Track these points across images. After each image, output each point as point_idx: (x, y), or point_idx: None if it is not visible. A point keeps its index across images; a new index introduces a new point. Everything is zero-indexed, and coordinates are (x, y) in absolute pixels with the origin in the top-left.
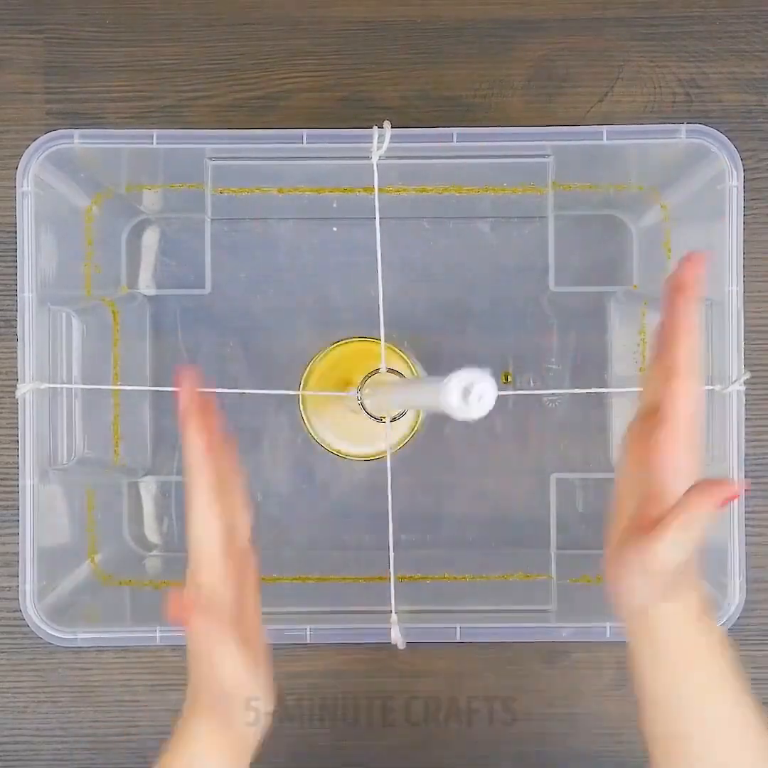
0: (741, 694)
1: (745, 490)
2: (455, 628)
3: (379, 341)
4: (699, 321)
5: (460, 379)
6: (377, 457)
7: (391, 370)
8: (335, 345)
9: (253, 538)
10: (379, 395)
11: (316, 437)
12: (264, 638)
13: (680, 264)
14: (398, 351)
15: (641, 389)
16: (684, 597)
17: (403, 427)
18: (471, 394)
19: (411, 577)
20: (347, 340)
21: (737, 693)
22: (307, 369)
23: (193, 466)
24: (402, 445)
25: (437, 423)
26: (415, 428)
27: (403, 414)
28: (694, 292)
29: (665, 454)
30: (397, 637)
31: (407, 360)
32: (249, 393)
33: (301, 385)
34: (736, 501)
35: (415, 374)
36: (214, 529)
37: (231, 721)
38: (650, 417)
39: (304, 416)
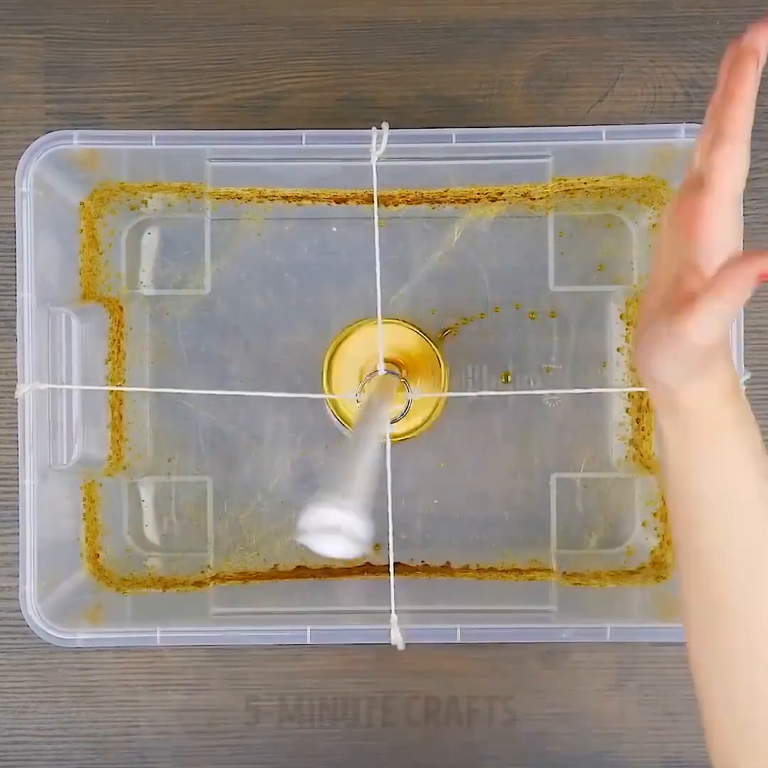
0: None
1: None
2: (455, 628)
3: (397, 322)
4: (756, 91)
5: (314, 519)
6: (407, 437)
7: (390, 371)
8: (358, 323)
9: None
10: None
11: (338, 416)
12: None
13: (748, 30)
14: (420, 333)
15: (689, 157)
16: (715, 378)
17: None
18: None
19: (412, 570)
20: (360, 323)
21: (765, 466)
22: (331, 347)
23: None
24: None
25: (438, 423)
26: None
27: (404, 413)
28: (758, 59)
29: (706, 225)
30: (396, 637)
31: (431, 345)
32: (252, 394)
33: (325, 363)
34: None
35: (439, 358)
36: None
37: None
38: (694, 188)
39: (330, 405)
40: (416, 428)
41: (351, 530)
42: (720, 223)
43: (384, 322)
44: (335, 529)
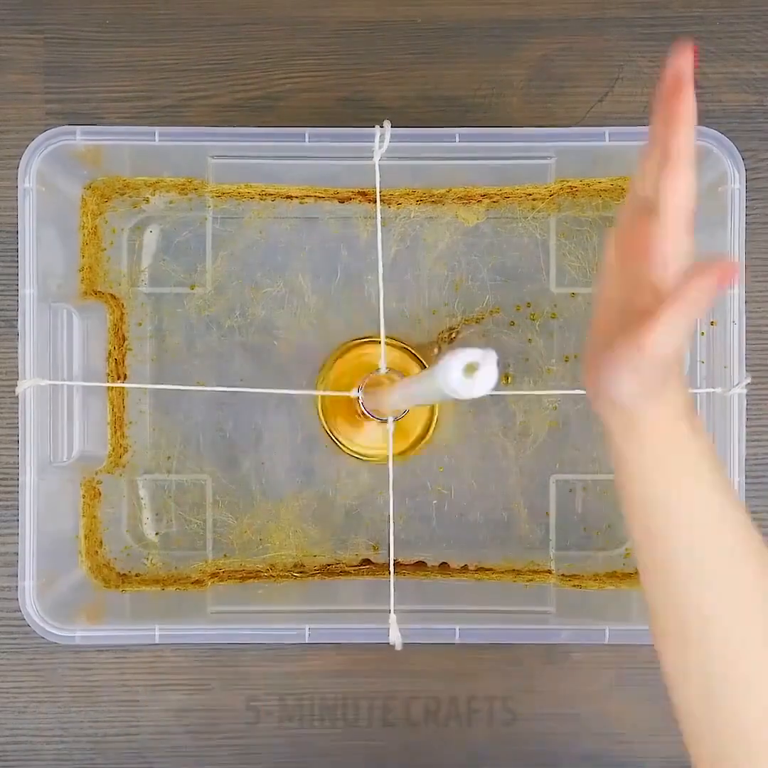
0: (731, 497)
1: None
2: (454, 629)
3: (394, 343)
4: (694, 110)
5: (462, 357)
6: (407, 453)
7: (391, 371)
8: (349, 344)
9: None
10: (380, 395)
11: (333, 437)
12: None
13: (674, 54)
14: (413, 353)
15: (632, 182)
16: (670, 399)
17: (417, 430)
18: (474, 372)
19: (412, 570)
20: (361, 341)
21: (726, 496)
22: (322, 371)
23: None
24: (415, 450)
25: (438, 424)
26: (429, 434)
27: (404, 412)
28: (690, 79)
29: (661, 246)
30: (394, 637)
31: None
32: (253, 391)
33: (315, 387)
34: (735, 280)
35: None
36: None
37: None
38: (641, 212)
39: (322, 419)
40: (413, 446)
41: (487, 362)
42: (674, 243)
43: (367, 343)
44: (476, 365)
